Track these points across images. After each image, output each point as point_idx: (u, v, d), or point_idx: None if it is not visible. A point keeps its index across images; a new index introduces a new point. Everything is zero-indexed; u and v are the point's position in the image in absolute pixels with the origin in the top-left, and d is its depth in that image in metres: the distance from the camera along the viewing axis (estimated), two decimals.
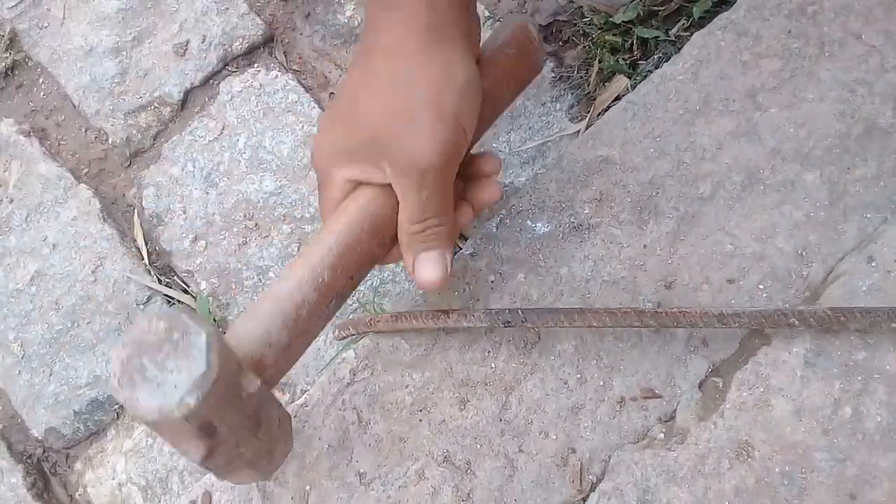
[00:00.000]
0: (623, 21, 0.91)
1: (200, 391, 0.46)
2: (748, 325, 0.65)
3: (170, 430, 0.48)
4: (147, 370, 0.47)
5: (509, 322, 0.68)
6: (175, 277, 0.96)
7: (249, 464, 0.56)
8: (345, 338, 0.79)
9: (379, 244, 0.62)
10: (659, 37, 0.90)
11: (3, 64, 1.09)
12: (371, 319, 0.74)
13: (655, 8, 0.92)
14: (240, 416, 0.52)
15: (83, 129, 1.06)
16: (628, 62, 0.91)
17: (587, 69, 0.94)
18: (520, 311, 0.69)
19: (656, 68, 0.82)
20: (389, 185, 0.60)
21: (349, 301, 0.90)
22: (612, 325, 0.67)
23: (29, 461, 0.94)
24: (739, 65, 0.77)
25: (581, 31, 0.96)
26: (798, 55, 0.76)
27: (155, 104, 1.04)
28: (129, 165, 1.03)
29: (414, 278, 0.63)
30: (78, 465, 0.93)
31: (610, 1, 0.92)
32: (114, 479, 0.91)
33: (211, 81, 1.05)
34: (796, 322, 0.63)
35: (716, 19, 0.79)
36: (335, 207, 0.62)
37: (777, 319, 0.63)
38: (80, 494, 0.92)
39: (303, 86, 1.03)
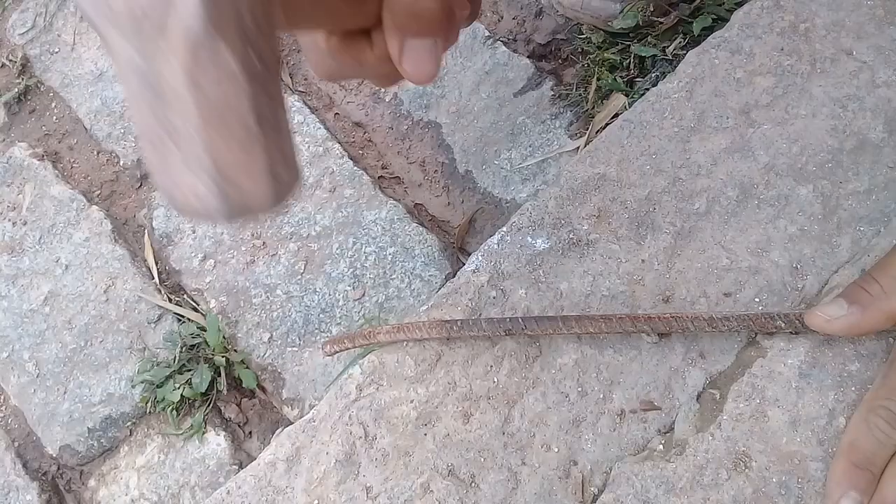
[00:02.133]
0: (622, 28, 0.93)
1: None
2: (737, 328, 0.66)
3: None
4: None
5: (510, 330, 0.70)
6: (185, 296, 0.98)
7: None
8: (335, 353, 0.80)
9: None
10: (656, 55, 0.92)
11: (17, 89, 1.12)
12: (370, 331, 0.76)
13: (655, 19, 0.94)
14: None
15: (95, 152, 1.08)
16: (626, 80, 0.93)
17: (586, 87, 0.95)
18: (520, 320, 0.71)
19: (653, 86, 0.83)
20: None
21: (355, 318, 0.92)
22: (608, 330, 0.69)
23: (44, 478, 0.96)
24: (733, 82, 0.78)
25: (580, 49, 0.98)
26: (790, 72, 0.77)
27: None
28: (139, 187, 1.06)
29: (401, 70, 0.48)
30: (92, 482, 0.95)
31: (604, 12, 0.94)
32: (127, 495, 0.93)
33: None
34: (783, 325, 0.65)
35: (709, 37, 0.81)
36: None
37: (764, 323, 0.65)
38: None
39: (308, 107, 1.05)
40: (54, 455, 0.95)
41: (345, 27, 0.46)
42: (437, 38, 0.49)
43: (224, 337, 0.95)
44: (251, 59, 0.36)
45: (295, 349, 0.93)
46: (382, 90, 1.05)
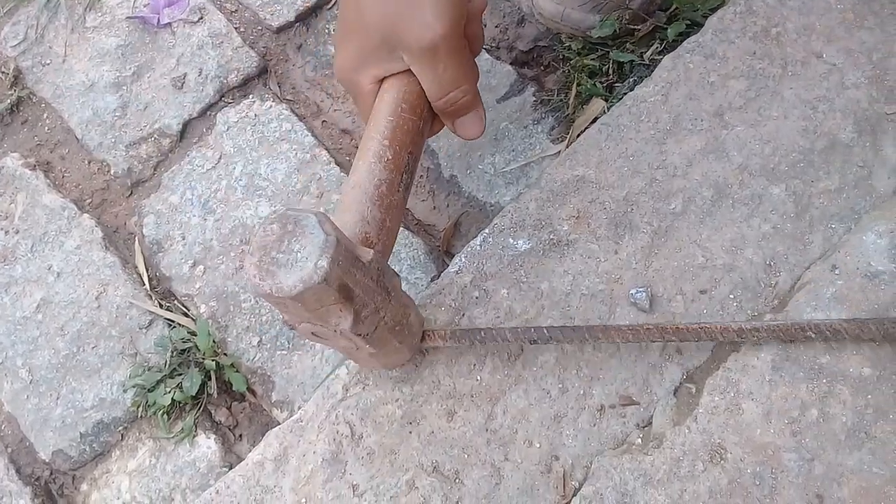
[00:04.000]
0: (600, 37, 0.95)
1: (328, 254, 0.54)
2: (718, 338, 0.68)
3: (315, 299, 0.56)
4: (278, 259, 0.55)
5: (535, 339, 0.72)
6: (175, 302, 1.00)
7: (392, 331, 0.66)
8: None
9: (420, 118, 0.72)
10: (634, 60, 0.94)
11: (9, 100, 1.14)
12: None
13: (632, 27, 0.96)
14: (368, 280, 0.60)
15: (86, 162, 1.10)
16: (605, 85, 0.95)
17: (566, 93, 0.97)
18: (545, 329, 0.71)
19: (631, 91, 0.85)
20: (410, 69, 0.69)
21: None
22: (635, 340, 0.70)
23: (37, 483, 0.97)
24: (707, 86, 0.80)
25: (561, 56, 1.00)
26: (763, 75, 0.80)
27: (155, 136, 1.09)
28: (130, 195, 1.07)
29: (457, 135, 0.77)
30: (84, 487, 0.96)
31: (583, 23, 0.96)
32: (119, 499, 0.94)
33: (208, 113, 1.09)
34: (762, 336, 0.67)
35: (684, 43, 0.83)
36: (371, 106, 0.71)
37: (740, 332, 0.67)
38: None
39: (296, 115, 1.07)
40: (47, 460, 0.96)
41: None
42: (477, 110, 0.74)
43: (214, 341, 0.96)
44: (383, 334, 0.66)
45: (284, 352, 0.94)
46: None
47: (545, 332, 0.70)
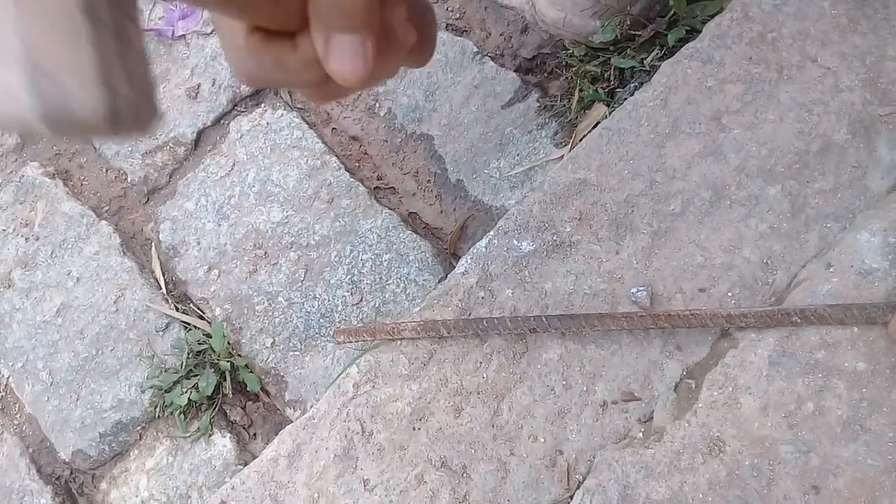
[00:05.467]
0: (602, 42, 0.97)
1: None
2: (709, 324, 0.71)
3: None
4: None
5: (535, 328, 0.74)
6: (191, 305, 1.03)
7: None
8: (347, 342, 0.83)
9: None
10: (634, 66, 0.96)
11: None
12: (395, 326, 0.79)
13: (633, 32, 0.98)
14: None
15: (104, 170, 1.13)
16: (607, 91, 0.97)
17: (569, 98, 1.00)
18: (544, 318, 0.75)
19: (632, 96, 0.87)
20: None
21: (354, 322, 0.96)
22: (630, 328, 0.73)
23: (57, 482, 1.00)
24: (705, 90, 0.83)
25: (563, 63, 1.03)
26: (759, 79, 0.82)
27: (170, 144, 1.12)
28: (146, 202, 1.11)
29: (326, 67, 0.42)
30: (103, 485, 0.99)
31: (584, 29, 0.98)
32: (137, 496, 0.97)
33: (221, 121, 1.12)
34: (750, 322, 0.69)
35: (682, 49, 0.85)
36: None
37: (729, 318, 0.69)
38: None
39: (307, 122, 1.10)
40: (67, 460, 0.99)
41: (262, 22, 0.41)
42: (364, 35, 0.43)
43: (229, 343, 0.99)
44: None
45: (297, 353, 0.97)
46: (377, 105, 1.09)
47: (544, 320, 0.73)
